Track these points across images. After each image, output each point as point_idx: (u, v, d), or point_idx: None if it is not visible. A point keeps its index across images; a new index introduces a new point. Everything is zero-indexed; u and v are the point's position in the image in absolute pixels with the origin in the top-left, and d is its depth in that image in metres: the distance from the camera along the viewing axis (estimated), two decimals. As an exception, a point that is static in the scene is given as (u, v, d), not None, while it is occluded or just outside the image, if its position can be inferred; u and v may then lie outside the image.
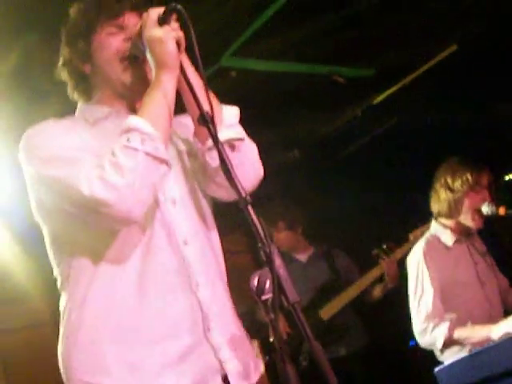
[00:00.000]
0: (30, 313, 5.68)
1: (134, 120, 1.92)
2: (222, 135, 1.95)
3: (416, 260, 3.85)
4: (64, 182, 1.91)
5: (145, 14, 2.00)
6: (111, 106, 2.16)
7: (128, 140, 1.88)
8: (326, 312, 4.99)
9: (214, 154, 1.93)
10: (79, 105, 2.25)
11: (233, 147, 2.04)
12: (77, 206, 1.91)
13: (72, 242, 2.06)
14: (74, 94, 2.25)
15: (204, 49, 3.90)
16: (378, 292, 5.10)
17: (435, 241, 3.91)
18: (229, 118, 2.09)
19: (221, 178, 1.94)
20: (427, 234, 3.99)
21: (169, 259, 2.04)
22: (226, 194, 2.11)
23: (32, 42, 3.51)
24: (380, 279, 5.03)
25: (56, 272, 2.13)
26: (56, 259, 2.12)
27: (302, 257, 5.30)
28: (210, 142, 2.01)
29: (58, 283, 2.12)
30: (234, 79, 4.62)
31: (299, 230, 5.32)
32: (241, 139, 2.09)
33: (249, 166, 2.10)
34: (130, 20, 2.13)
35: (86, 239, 2.04)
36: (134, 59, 2.09)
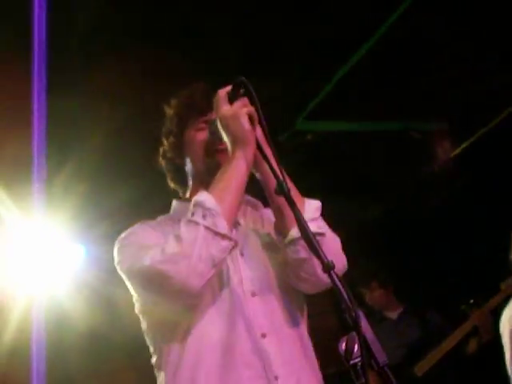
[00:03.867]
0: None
1: (200, 196, 1.98)
2: (295, 232, 1.96)
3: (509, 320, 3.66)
4: (136, 263, 2.01)
5: (217, 93, 2.05)
6: None
7: (192, 215, 1.94)
8: (420, 368, 4.91)
9: (294, 248, 1.99)
10: (173, 202, 2.35)
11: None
12: (143, 280, 2.01)
13: (160, 335, 2.15)
14: (171, 185, 2.38)
15: (279, 113, 4.01)
16: (472, 346, 4.96)
17: None
18: (311, 212, 2.04)
19: (303, 271, 2.01)
20: None
21: (246, 352, 2.03)
22: (309, 287, 2.10)
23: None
24: (475, 332, 4.90)
25: (152, 359, 2.21)
26: (151, 345, 2.21)
27: (393, 314, 5.29)
28: (289, 237, 2.03)
29: (154, 368, 2.20)
30: (309, 141, 4.69)
31: (391, 289, 5.32)
32: (322, 234, 2.03)
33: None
34: None
35: (169, 333, 2.10)
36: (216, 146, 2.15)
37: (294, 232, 1.98)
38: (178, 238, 1.90)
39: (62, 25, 3.24)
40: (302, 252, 1.97)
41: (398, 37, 3.85)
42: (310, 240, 1.75)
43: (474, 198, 5.63)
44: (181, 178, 2.32)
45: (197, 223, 1.91)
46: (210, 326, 2.04)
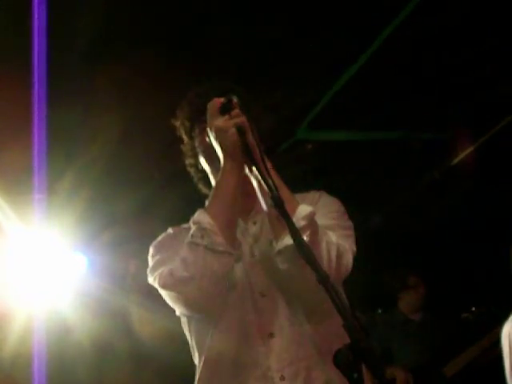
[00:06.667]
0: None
1: (197, 216, 2.05)
2: (284, 242, 1.97)
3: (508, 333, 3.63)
4: (154, 280, 2.13)
5: (209, 104, 2.07)
6: None
7: (192, 236, 2.02)
8: (450, 369, 4.95)
9: (280, 258, 2.00)
10: None
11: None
12: (163, 295, 2.12)
13: (190, 331, 2.26)
14: (203, 190, 2.38)
15: (280, 123, 4.02)
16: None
17: None
18: (297, 221, 1.94)
19: (291, 281, 2.03)
20: None
21: (254, 352, 2.08)
22: (304, 294, 2.07)
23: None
24: None
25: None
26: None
27: (416, 316, 5.30)
28: (276, 248, 2.02)
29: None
30: (310, 150, 4.69)
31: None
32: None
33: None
34: None
35: (193, 334, 2.23)
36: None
37: (279, 244, 2.00)
38: (184, 261, 2.00)
39: (62, 33, 3.25)
40: (286, 264, 2.00)
41: (399, 44, 3.84)
42: (305, 252, 1.73)
43: (479, 204, 5.62)
44: (207, 182, 2.33)
45: (197, 244, 1.99)
46: (224, 326, 2.12)
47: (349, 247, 2.12)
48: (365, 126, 4.69)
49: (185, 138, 2.32)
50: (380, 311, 5.45)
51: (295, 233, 1.77)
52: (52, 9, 3.08)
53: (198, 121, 2.21)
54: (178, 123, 2.34)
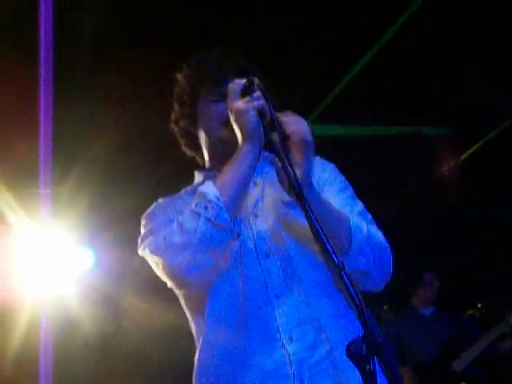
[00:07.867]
0: None
1: (204, 187, 2.00)
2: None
3: None
4: (145, 246, 2.07)
5: (229, 85, 2.02)
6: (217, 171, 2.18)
7: (196, 205, 1.96)
8: (458, 363, 4.98)
9: None
10: (195, 173, 2.33)
11: None
12: (152, 263, 2.05)
13: (187, 306, 2.20)
14: (187, 151, 2.34)
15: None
16: (509, 344, 5.00)
17: None
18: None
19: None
20: None
21: (261, 314, 2.05)
22: None
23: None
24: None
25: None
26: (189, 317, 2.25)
27: (426, 311, 5.32)
28: None
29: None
30: (316, 145, 4.68)
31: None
32: None
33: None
34: None
35: (191, 303, 2.16)
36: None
37: None
38: (181, 226, 1.94)
39: (68, 33, 3.26)
40: None
41: (405, 43, 3.85)
42: (322, 240, 1.71)
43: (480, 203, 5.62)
44: (195, 145, 2.29)
45: (199, 214, 1.93)
46: (226, 287, 2.06)
47: (371, 219, 2.11)
48: (371, 121, 4.69)
49: (188, 100, 2.23)
50: (386, 307, 5.45)
51: (312, 223, 1.73)
52: (58, 7, 3.08)
53: (206, 92, 2.17)
54: (180, 81, 2.27)
